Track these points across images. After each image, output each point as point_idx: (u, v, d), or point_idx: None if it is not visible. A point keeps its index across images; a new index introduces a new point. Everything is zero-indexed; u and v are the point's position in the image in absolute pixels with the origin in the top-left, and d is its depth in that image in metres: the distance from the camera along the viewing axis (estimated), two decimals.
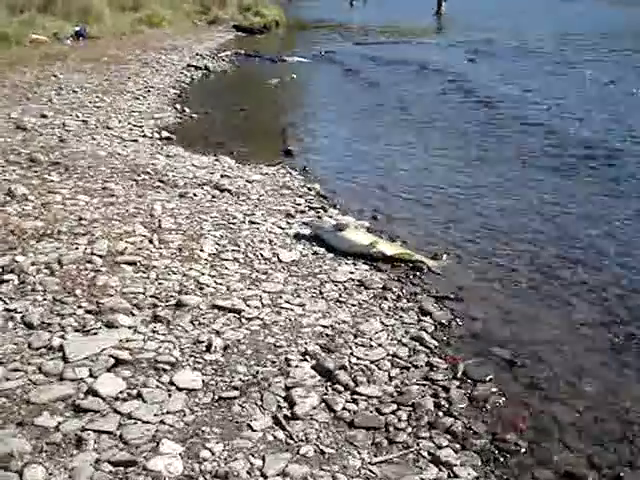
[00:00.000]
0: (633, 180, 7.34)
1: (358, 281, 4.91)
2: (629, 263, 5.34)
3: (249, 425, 3.23)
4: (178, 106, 11.68)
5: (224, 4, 30.63)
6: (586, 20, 26.40)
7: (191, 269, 4.81)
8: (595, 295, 4.84)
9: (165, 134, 9.47)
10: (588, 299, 4.78)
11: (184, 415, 3.27)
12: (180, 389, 3.47)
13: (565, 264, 5.31)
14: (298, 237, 5.64)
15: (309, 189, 7.06)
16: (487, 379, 3.81)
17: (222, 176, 7.29)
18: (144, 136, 9.30)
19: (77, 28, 18.84)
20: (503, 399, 3.65)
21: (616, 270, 5.21)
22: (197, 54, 18.28)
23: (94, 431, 3.10)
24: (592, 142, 8.90)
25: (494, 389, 3.72)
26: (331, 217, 6.15)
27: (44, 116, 9.63)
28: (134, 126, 9.83)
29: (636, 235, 5.93)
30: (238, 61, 18.19)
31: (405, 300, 4.68)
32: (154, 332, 3.99)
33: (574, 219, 6.23)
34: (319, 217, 6.15)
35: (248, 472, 2.90)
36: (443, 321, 4.42)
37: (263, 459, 2.99)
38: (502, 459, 3.18)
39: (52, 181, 6.51)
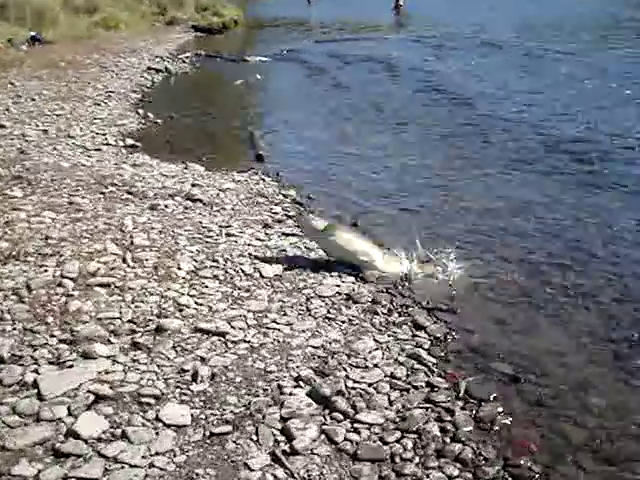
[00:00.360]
0: (622, 178, 7.15)
1: (346, 295, 4.69)
2: (623, 266, 5.18)
3: (246, 464, 2.99)
4: (141, 111, 11.37)
5: (181, 4, 30.18)
6: (549, 10, 26.41)
7: (169, 289, 4.55)
8: (591, 300, 4.68)
9: (130, 141, 9.18)
10: (585, 305, 4.62)
11: (175, 455, 3.03)
12: (168, 425, 3.22)
13: (558, 268, 5.14)
14: (278, 249, 5.40)
15: (284, 196, 6.83)
16: (491, 398, 3.62)
17: (193, 185, 7.02)
18: (108, 144, 9.00)
19: (32, 33, 18.37)
20: (510, 419, 3.46)
21: (611, 273, 5.04)
22: (157, 56, 17.93)
23: (78, 479, 2.84)
24: (574, 140, 8.73)
25: (500, 408, 3.53)
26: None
27: (2, 126, 9.30)
28: (97, 134, 9.51)
29: (628, 235, 5.77)
30: (199, 62, 17.88)
31: (397, 314, 4.47)
32: (134, 361, 3.73)
33: (564, 221, 6.06)
34: (298, 226, 5.91)
35: None
36: (438, 335, 4.21)
37: None
38: None
39: (15, 197, 6.18)
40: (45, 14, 20.31)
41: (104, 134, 9.51)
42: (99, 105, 11.59)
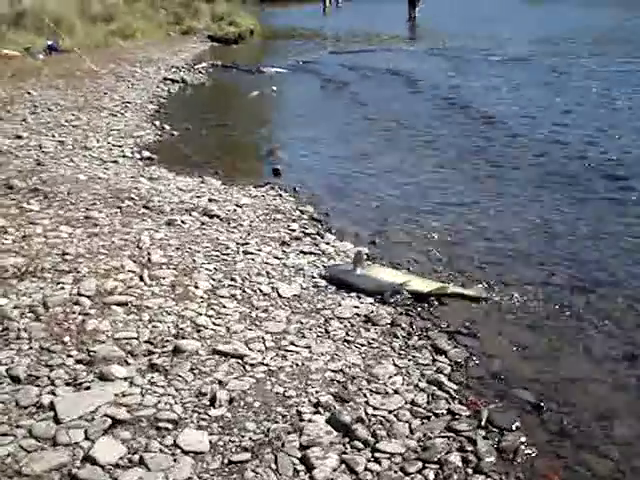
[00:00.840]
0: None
1: (364, 317, 4.63)
2: None
3: None
4: (157, 123, 11.36)
5: (197, 14, 30.29)
6: (558, 24, 26.32)
7: (186, 309, 4.50)
8: (613, 324, 4.60)
9: (146, 154, 9.15)
10: (606, 329, 4.54)
11: None
12: (186, 452, 3.16)
13: (578, 291, 5.06)
14: (296, 268, 5.36)
15: (302, 212, 6.77)
16: (514, 427, 3.54)
17: (210, 200, 6.98)
18: (124, 156, 8.98)
19: (49, 42, 18.45)
20: (533, 449, 3.38)
21: (635, 298, 4.96)
22: (173, 66, 17.96)
23: None
24: (594, 158, 8.57)
25: (523, 438, 3.45)
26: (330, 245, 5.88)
27: (19, 137, 9.29)
28: (113, 146, 9.51)
29: None
30: (215, 73, 17.89)
31: (416, 337, 4.40)
32: (152, 384, 3.68)
33: (583, 241, 5.97)
34: (316, 244, 5.87)
35: None
36: (459, 360, 4.14)
37: None
38: None
39: (31, 210, 6.16)
40: (62, 23, 20.39)
41: (120, 146, 9.50)
42: (115, 116, 11.59)
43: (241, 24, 29.18)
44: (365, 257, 5.52)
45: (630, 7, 30.87)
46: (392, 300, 4.89)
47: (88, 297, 4.52)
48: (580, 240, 5.98)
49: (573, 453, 3.39)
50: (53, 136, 9.65)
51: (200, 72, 17.63)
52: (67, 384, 3.64)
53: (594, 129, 10.06)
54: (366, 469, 3.14)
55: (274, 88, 14.98)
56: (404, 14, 33.38)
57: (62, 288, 4.63)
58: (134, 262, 5.13)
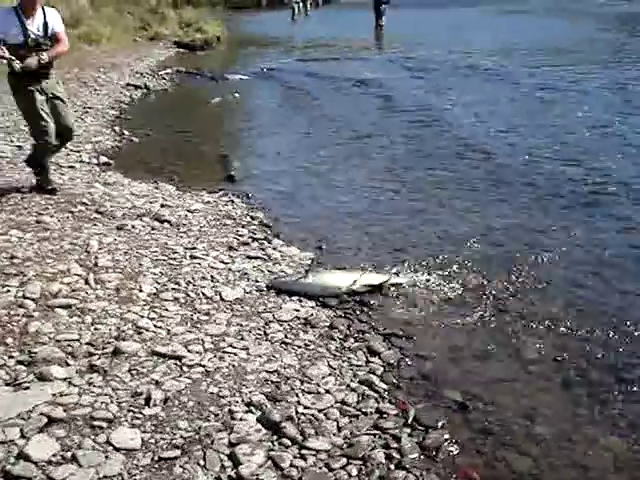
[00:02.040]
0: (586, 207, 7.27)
1: (304, 319, 4.76)
2: (578, 292, 5.27)
3: None
4: (117, 128, 11.40)
5: (164, 20, 30.26)
6: (526, 33, 26.63)
7: (129, 311, 4.61)
8: (545, 328, 4.75)
9: (103, 159, 9.20)
10: (538, 333, 4.70)
11: (122, 479, 3.08)
12: (118, 449, 3.28)
13: (514, 295, 5.21)
14: (241, 272, 5.47)
15: (252, 218, 6.88)
16: (439, 425, 3.69)
17: (162, 205, 7.07)
18: (81, 162, 9.02)
19: None
20: (455, 447, 3.54)
21: (566, 300, 5.13)
22: (137, 72, 17.95)
23: None
24: (533, 169, 8.82)
25: (446, 436, 3.60)
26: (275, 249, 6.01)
27: None
28: (71, 151, 9.52)
29: (582, 262, 5.88)
30: (179, 79, 17.92)
31: (352, 339, 4.54)
32: (90, 384, 3.79)
33: (521, 246, 6.13)
34: (263, 249, 5.99)
35: None
36: (392, 361, 4.29)
37: None
38: None
39: None
40: None
41: (78, 151, 9.52)
42: (75, 121, 11.57)
43: (208, 31, 29.14)
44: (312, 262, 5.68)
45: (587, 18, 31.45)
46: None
47: (33, 300, 4.61)
48: (519, 246, 6.13)
49: (494, 450, 3.54)
50: (11, 141, 9.67)
51: (164, 78, 17.64)
52: (7, 384, 3.75)
53: (547, 136, 10.26)
54: (292, 465, 3.27)
55: (236, 95, 15.05)
56: (372, 22, 33.57)
57: (8, 291, 4.72)
58: (81, 266, 5.22)
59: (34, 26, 6.56)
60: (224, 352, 4.23)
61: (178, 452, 3.28)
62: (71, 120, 7.29)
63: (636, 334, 4.66)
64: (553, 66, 17.45)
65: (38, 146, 7.06)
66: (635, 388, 4.07)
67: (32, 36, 6.53)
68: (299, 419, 3.62)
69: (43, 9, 6.67)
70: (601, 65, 17.09)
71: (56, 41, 6.74)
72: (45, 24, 6.61)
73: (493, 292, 5.24)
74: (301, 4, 47.79)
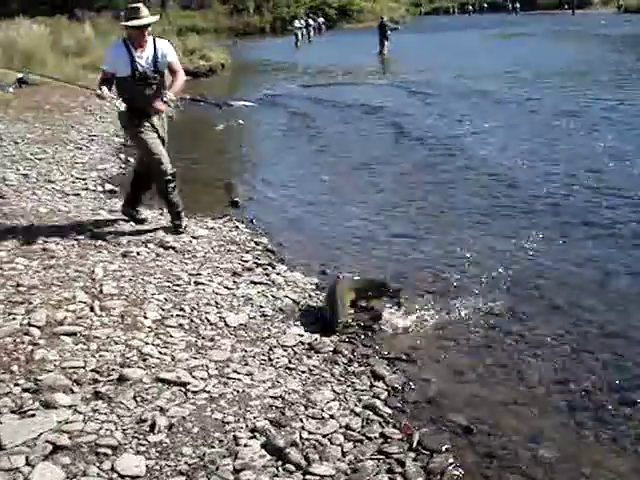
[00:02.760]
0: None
1: (308, 344, 4.78)
2: (581, 314, 5.28)
3: None
4: (122, 155, 11.48)
5: None
6: (529, 57, 26.79)
7: (134, 338, 4.62)
8: (548, 350, 4.77)
9: (108, 187, 9.27)
10: (541, 355, 4.71)
11: None
12: (122, 476, 3.28)
13: (517, 317, 5.23)
14: (245, 298, 5.49)
15: (256, 243, 6.91)
16: (443, 449, 3.69)
17: (167, 232, 7.11)
18: (87, 189, 9.10)
19: (20, 75, 18.53)
20: (460, 471, 3.54)
21: (570, 324, 5.14)
22: None
23: None
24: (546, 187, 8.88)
25: (451, 460, 3.60)
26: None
27: None
28: (77, 179, 9.62)
29: (585, 282, 5.89)
30: (183, 106, 18.03)
31: (357, 364, 4.55)
32: (95, 411, 3.79)
33: (524, 270, 6.15)
34: (267, 274, 6.02)
35: None
36: (396, 385, 4.30)
37: None
38: None
39: None
40: (34, 56, 20.48)
41: (84, 179, 9.61)
42: (81, 149, 11.70)
43: (212, 58, 29.43)
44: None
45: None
46: None
47: (38, 327, 4.62)
48: (521, 269, 6.15)
49: (499, 474, 3.54)
50: (17, 169, 9.74)
51: (169, 106, 17.72)
52: (12, 412, 3.74)
53: (559, 160, 10.29)
54: None
55: (241, 122, 15.17)
56: (375, 48, 33.81)
57: (13, 319, 4.73)
58: (86, 293, 5.24)
59: (143, 59, 6.50)
60: (228, 378, 4.24)
61: (183, 479, 3.28)
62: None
63: (638, 354, 4.67)
64: (560, 88, 17.56)
65: (159, 179, 7.01)
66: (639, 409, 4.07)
67: (140, 69, 6.48)
68: (303, 444, 3.63)
69: (154, 41, 6.61)
70: (607, 86, 17.18)
71: (172, 73, 6.68)
72: (155, 57, 6.53)
73: (497, 315, 5.25)
74: (304, 30, 48.31)
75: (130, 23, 6.44)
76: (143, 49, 6.50)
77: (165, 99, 6.58)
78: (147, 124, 6.70)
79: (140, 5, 6.44)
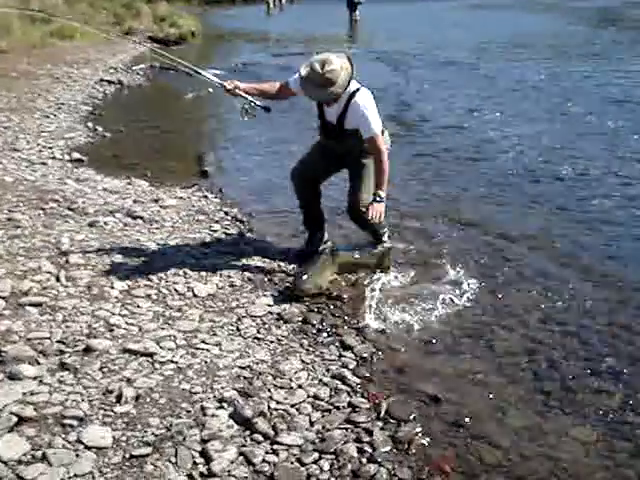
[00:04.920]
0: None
1: (277, 314, 4.76)
2: (549, 285, 5.30)
3: None
4: (90, 124, 11.31)
5: (138, 15, 30.07)
6: (501, 27, 26.80)
7: (100, 309, 4.58)
8: (516, 321, 4.79)
9: (76, 155, 9.12)
10: (509, 325, 4.73)
11: (93, 478, 3.07)
12: (88, 447, 3.25)
13: (484, 287, 5.24)
14: (214, 267, 5.45)
15: (226, 213, 6.85)
16: (411, 418, 3.70)
17: (135, 202, 7.03)
18: (54, 158, 8.95)
19: None
20: (428, 439, 3.55)
21: (538, 294, 5.16)
22: (111, 68, 17.83)
23: None
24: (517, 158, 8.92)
25: (418, 429, 3.61)
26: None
27: None
28: (43, 147, 9.45)
29: (554, 252, 5.93)
30: (153, 74, 17.81)
31: (325, 334, 4.54)
32: (61, 382, 3.76)
33: (493, 236, 6.21)
34: (236, 244, 5.98)
35: None
36: (365, 355, 4.30)
37: None
38: None
39: None
40: None
41: (51, 148, 9.45)
42: (48, 117, 11.50)
43: (182, 25, 29.01)
44: None
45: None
46: None
47: (3, 298, 4.57)
48: (490, 240, 6.18)
49: (466, 443, 3.56)
50: None
51: (138, 74, 17.54)
52: None
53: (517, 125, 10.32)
54: (264, 461, 3.27)
55: (210, 90, 14.97)
56: (346, 16, 33.65)
57: None
58: (52, 263, 5.18)
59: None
60: (196, 348, 4.22)
61: (149, 449, 3.26)
62: None
63: (606, 326, 4.71)
64: (527, 60, 17.59)
65: None
66: (605, 379, 4.10)
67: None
68: (271, 414, 3.62)
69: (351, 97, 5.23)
70: (581, 60, 17.25)
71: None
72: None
73: (466, 285, 5.25)
74: None
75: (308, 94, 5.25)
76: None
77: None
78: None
79: (323, 70, 4.96)
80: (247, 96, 5.54)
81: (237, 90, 5.48)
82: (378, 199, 5.13)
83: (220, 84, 5.64)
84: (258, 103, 5.63)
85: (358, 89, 5.23)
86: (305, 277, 5.08)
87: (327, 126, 5.49)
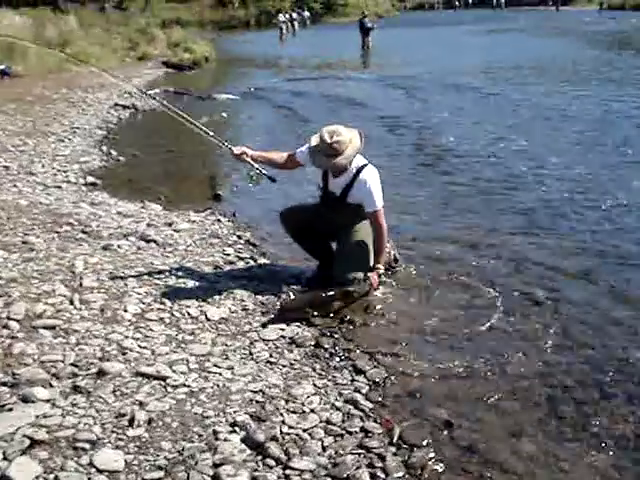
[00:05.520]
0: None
1: (289, 338, 4.75)
2: (563, 310, 5.27)
3: None
4: (104, 148, 11.42)
5: (153, 40, 30.44)
6: (519, 52, 26.89)
7: (114, 332, 4.59)
8: (530, 345, 4.76)
9: (90, 179, 9.21)
10: (523, 349, 4.69)
11: None
12: (101, 471, 3.24)
13: (498, 311, 5.22)
14: (226, 291, 5.46)
15: (238, 237, 6.88)
16: (424, 443, 3.68)
17: (148, 225, 7.07)
18: (68, 182, 9.04)
19: (2, 67, 18.40)
20: (441, 465, 3.52)
21: (551, 318, 5.13)
22: (125, 92, 17.99)
23: None
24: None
25: (431, 454, 3.59)
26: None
27: None
28: (58, 171, 9.56)
29: (569, 277, 5.90)
30: (167, 99, 17.91)
31: (338, 358, 4.53)
32: (73, 405, 3.76)
33: (505, 259, 6.20)
34: (249, 268, 5.99)
35: None
36: (377, 380, 4.28)
37: None
38: None
39: None
40: (16, 47, 20.32)
41: (65, 171, 9.55)
42: (63, 141, 11.63)
43: (196, 51, 29.32)
44: None
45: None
46: None
47: (17, 321, 4.58)
48: (502, 262, 6.17)
49: (479, 468, 3.53)
50: None
51: (152, 98, 17.64)
52: None
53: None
54: None
55: (224, 114, 15.11)
56: (358, 41, 33.89)
57: None
58: (66, 286, 5.20)
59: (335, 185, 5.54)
60: (209, 372, 4.21)
61: (162, 473, 3.25)
62: None
63: (621, 351, 4.67)
64: (539, 84, 17.62)
65: None
66: (620, 405, 4.07)
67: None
68: (283, 439, 3.60)
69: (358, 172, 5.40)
70: (595, 83, 17.26)
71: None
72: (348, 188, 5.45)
73: (478, 309, 5.25)
74: (289, 24, 48.30)
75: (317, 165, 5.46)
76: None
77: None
78: None
79: (331, 140, 5.20)
80: (254, 164, 5.74)
81: (244, 156, 5.64)
82: (379, 272, 5.42)
83: (229, 148, 5.80)
84: (264, 172, 5.86)
85: (366, 165, 5.42)
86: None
87: (329, 196, 5.60)
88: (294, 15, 53.50)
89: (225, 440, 3.54)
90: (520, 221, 7.34)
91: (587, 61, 23.21)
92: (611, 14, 48.64)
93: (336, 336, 4.86)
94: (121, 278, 5.50)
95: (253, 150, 5.79)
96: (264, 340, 4.70)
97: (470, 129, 12.80)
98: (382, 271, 5.44)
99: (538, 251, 6.43)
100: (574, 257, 6.29)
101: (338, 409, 3.92)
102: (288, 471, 3.36)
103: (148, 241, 6.50)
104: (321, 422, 3.78)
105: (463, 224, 7.23)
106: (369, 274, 5.35)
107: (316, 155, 5.31)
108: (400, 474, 3.41)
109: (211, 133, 6.16)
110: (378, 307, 5.32)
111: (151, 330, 4.69)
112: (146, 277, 5.59)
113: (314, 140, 5.32)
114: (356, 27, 35.24)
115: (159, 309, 5.03)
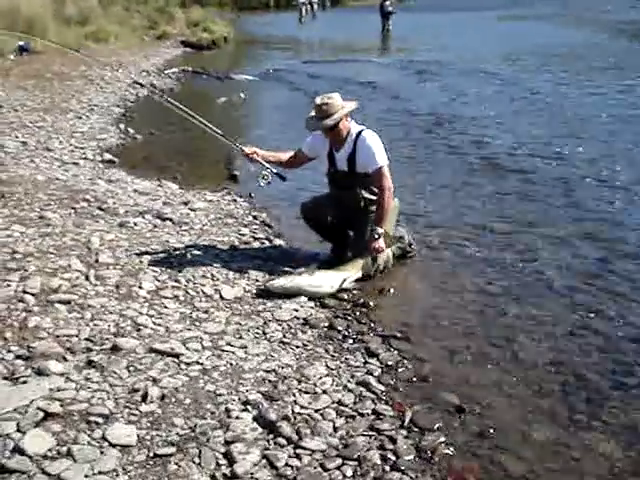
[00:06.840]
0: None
1: (303, 319, 4.77)
2: (577, 297, 5.25)
3: None
4: (122, 126, 11.44)
5: (172, 19, 30.41)
6: (522, 39, 26.62)
7: (128, 308, 4.61)
8: (543, 332, 4.74)
9: (107, 156, 9.24)
10: (536, 337, 4.68)
11: (117, 475, 3.08)
12: (113, 445, 3.27)
13: (513, 298, 5.21)
14: (241, 271, 5.47)
15: (254, 217, 6.90)
16: (435, 427, 3.68)
17: (164, 203, 7.09)
18: (85, 159, 9.06)
19: (21, 43, 18.40)
20: (452, 449, 3.52)
21: (565, 306, 5.12)
22: (144, 71, 18.01)
23: None
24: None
25: (442, 438, 3.59)
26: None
27: None
28: (75, 148, 9.58)
29: (581, 265, 5.87)
30: (185, 78, 17.98)
31: (351, 340, 4.54)
32: (87, 380, 3.78)
33: (523, 250, 6.15)
34: (264, 249, 5.99)
35: None
36: (390, 363, 4.28)
37: None
38: None
39: None
40: (35, 24, 20.34)
41: (83, 148, 9.58)
42: (81, 118, 11.65)
43: (215, 30, 29.29)
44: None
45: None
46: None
47: (33, 295, 4.61)
48: (520, 250, 6.14)
49: (490, 453, 3.53)
50: (16, 137, 9.70)
51: (170, 77, 17.70)
52: (4, 378, 3.73)
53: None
54: (286, 464, 3.27)
55: (242, 95, 15.08)
56: (378, 25, 33.68)
57: (8, 285, 4.71)
58: (81, 262, 5.22)
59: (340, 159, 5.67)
60: (222, 350, 4.23)
61: (173, 449, 3.27)
62: None
63: (635, 339, 4.65)
64: (557, 72, 17.43)
65: None
66: (633, 394, 4.05)
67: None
68: (295, 419, 3.62)
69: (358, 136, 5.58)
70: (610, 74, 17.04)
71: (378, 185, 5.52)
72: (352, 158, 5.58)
73: (492, 295, 5.24)
74: (308, 6, 48.03)
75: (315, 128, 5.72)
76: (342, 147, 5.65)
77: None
78: None
79: (321, 101, 5.59)
80: (264, 163, 5.79)
81: (255, 156, 5.76)
82: (376, 236, 5.44)
83: (240, 148, 5.89)
84: (275, 171, 5.86)
85: (362, 129, 5.62)
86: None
87: (338, 174, 5.68)
88: None
89: (237, 418, 3.56)
90: (537, 209, 7.28)
91: (622, 53, 22.82)
92: (633, 3, 47.96)
93: (349, 318, 4.87)
94: (137, 255, 5.53)
95: (262, 150, 5.91)
96: (278, 320, 4.72)
97: (507, 121, 12.52)
98: (381, 232, 5.47)
99: (554, 239, 6.39)
100: (591, 246, 6.25)
101: (350, 391, 3.93)
102: (299, 450, 3.37)
103: (164, 219, 6.52)
104: (333, 403, 3.79)
105: (480, 211, 7.20)
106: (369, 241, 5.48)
107: (309, 120, 5.64)
108: (411, 457, 3.41)
109: (221, 132, 6.20)
110: (392, 291, 5.32)
111: (165, 307, 4.71)
112: (161, 255, 5.62)
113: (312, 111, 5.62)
114: (376, 10, 35.01)
115: (174, 287, 5.05)
